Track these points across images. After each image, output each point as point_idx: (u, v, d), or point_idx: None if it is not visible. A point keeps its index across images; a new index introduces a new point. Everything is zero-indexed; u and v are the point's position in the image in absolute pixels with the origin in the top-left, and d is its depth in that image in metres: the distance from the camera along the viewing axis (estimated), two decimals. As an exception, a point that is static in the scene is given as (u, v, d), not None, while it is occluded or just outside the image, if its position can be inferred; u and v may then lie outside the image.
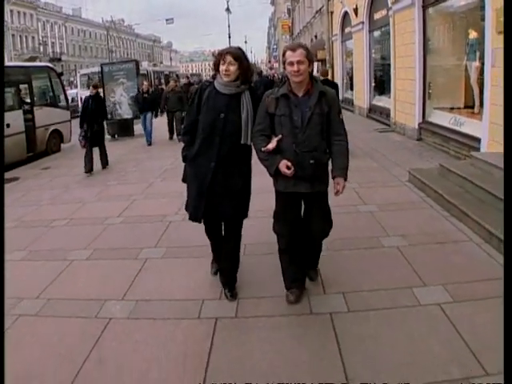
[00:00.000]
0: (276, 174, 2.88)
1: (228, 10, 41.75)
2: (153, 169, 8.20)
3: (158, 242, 4.45)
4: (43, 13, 56.60)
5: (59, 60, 53.91)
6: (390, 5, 10.34)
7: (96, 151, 8.29)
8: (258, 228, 4.01)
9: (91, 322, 3.04)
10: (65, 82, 13.01)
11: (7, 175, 8.54)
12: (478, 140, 6.49)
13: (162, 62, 65.76)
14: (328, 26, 18.29)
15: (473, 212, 4.24)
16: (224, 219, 3.18)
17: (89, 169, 8.03)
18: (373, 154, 7.90)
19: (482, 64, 6.59)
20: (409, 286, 3.21)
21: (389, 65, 10.98)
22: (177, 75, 28.53)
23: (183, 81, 18.14)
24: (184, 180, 3.29)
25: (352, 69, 15.86)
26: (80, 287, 3.57)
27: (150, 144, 11.31)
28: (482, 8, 6.41)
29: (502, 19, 5.31)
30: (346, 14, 15.55)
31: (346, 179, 2.92)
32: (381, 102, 12.55)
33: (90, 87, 8.97)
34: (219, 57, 2.94)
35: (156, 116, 12.09)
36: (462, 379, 2.25)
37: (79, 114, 8.66)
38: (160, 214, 5.33)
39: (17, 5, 51.09)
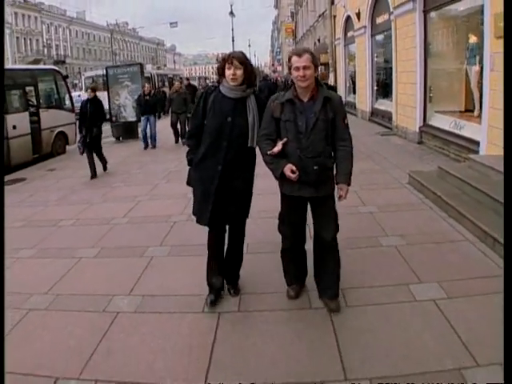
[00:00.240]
0: (281, 178, 2.90)
1: (232, 13, 41.85)
2: (157, 171, 8.29)
3: (163, 241, 4.56)
4: (47, 15, 57.10)
5: (63, 62, 54.22)
6: (391, 9, 10.46)
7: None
8: (262, 228, 4.13)
9: (99, 316, 3.15)
10: (69, 85, 13.07)
11: (14, 176, 8.72)
12: (478, 143, 6.57)
13: (165, 65, 65.93)
14: (331, 29, 18.34)
15: (469, 213, 4.33)
16: (230, 220, 3.19)
17: (92, 174, 8.01)
18: (374, 157, 7.99)
19: (482, 68, 6.65)
20: (405, 283, 3.32)
21: (391, 68, 11.05)
22: (180, 78, 28.66)
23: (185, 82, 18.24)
24: (188, 183, 3.29)
25: (354, 72, 15.97)
26: (88, 283, 3.68)
27: (147, 147, 11.41)
28: (482, 13, 6.49)
29: (500, 24, 5.40)
30: (348, 18, 15.64)
31: (349, 184, 2.96)
32: (383, 105, 12.61)
33: (88, 90, 8.64)
34: (224, 62, 2.96)
35: (159, 117, 12.18)
36: (454, 370, 2.36)
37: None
38: (165, 214, 5.43)
39: (21, 7, 51.58)
